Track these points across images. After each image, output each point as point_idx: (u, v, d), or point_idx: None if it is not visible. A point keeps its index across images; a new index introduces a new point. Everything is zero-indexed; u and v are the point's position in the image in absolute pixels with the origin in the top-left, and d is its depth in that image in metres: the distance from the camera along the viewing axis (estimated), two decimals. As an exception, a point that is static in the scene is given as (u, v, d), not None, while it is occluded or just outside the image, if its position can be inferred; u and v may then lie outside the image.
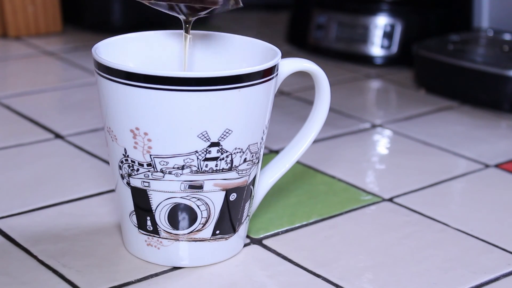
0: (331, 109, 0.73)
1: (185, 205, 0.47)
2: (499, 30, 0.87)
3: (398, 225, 0.55)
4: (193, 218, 0.47)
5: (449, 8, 0.92)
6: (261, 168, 0.51)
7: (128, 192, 0.47)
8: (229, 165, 0.46)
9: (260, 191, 0.52)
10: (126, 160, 0.46)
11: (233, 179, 0.47)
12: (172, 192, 0.46)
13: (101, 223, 0.53)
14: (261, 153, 0.49)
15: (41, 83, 0.82)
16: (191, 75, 0.44)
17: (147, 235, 0.48)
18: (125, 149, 0.46)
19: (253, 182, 0.49)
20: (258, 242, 0.52)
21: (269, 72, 0.46)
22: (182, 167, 0.46)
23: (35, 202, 0.56)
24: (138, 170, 0.46)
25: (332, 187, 0.60)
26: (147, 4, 0.48)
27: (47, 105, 0.77)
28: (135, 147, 0.46)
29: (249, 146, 0.47)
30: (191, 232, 0.48)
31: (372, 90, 0.85)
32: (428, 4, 0.91)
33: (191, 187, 0.46)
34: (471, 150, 0.68)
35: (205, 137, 0.45)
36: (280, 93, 0.81)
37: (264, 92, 0.46)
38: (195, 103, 0.44)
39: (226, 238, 0.49)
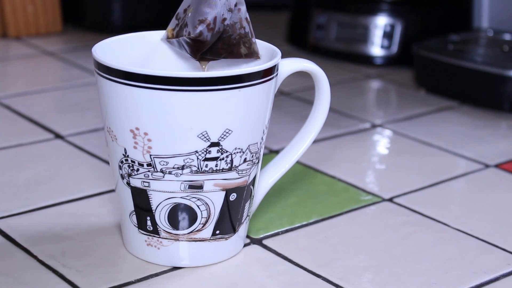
0: (331, 109, 0.73)
1: (185, 205, 0.47)
2: (499, 30, 0.87)
3: (398, 225, 0.55)
4: (193, 218, 0.47)
5: (449, 8, 0.92)
6: (261, 168, 0.51)
7: (128, 192, 0.47)
8: (229, 165, 0.46)
9: (260, 191, 0.52)
10: (126, 160, 0.46)
11: (233, 179, 0.47)
12: (172, 192, 0.46)
13: (101, 223, 0.53)
14: (261, 153, 0.49)
15: (41, 83, 0.82)
16: (191, 75, 0.44)
17: (147, 235, 0.48)
18: (125, 149, 0.46)
19: (253, 182, 0.49)
20: (258, 242, 0.52)
21: (269, 72, 0.46)
22: (182, 167, 0.46)
23: (35, 202, 0.56)
24: (138, 170, 0.46)
25: (332, 187, 0.60)
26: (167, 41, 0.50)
27: (47, 105, 0.76)
28: (135, 147, 0.46)
29: (249, 146, 0.47)
30: (191, 232, 0.48)
31: (372, 90, 0.85)
32: (428, 4, 0.91)
33: (191, 187, 0.46)
34: (471, 150, 0.68)
35: (205, 137, 0.45)
36: (280, 93, 0.81)
37: (264, 92, 0.46)
38: (195, 103, 0.44)
39: (226, 238, 0.49)
